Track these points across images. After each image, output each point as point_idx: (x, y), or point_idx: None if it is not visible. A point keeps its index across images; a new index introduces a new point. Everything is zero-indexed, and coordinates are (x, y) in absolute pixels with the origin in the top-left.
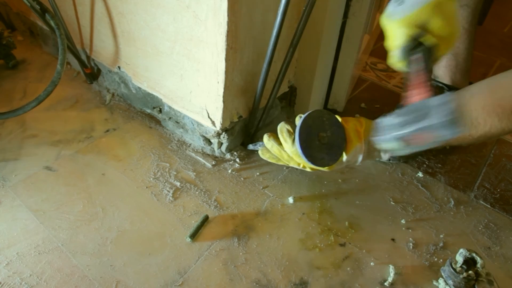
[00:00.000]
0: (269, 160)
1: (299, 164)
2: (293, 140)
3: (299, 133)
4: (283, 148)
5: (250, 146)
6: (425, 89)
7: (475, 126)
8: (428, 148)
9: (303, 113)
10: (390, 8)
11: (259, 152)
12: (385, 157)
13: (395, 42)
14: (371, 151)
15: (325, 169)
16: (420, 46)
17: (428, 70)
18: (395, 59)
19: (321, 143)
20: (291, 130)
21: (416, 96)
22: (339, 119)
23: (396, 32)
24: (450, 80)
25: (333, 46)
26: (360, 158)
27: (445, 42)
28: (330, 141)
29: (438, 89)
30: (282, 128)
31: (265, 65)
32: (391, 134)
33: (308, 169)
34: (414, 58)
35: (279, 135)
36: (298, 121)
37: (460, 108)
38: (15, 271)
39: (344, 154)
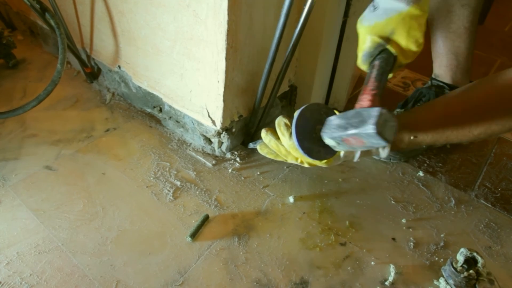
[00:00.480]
0: (267, 156)
1: (297, 159)
2: (291, 134)
3: (296, 126)
4: (280, 142)
5: (250, 145)
6: (369, 97)
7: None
8: (366, 149)
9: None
10: (364, 13)
11: (258, 147)
12: (383, 154)
13: (362, 46)
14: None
15: (322, 163)
16: (383, 53)
17: (379, 78)
18: (359, 62)
19: (318, 136)
20: (289, 124)
21: (364, 101)
22: (337, 113)
23: (364, 37)
24: (451, 79)
25: (333, 45)
26: (358, 154)
27: (405, 54)
28: None
29: (439, 88)
30: (280, 122)
31: (267, 66)
32: (330, 133)
33: (306, 165)
34: (373, 64)
35: (277, 129)
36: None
37: (381, 123)
38: (15, 270)
39: None
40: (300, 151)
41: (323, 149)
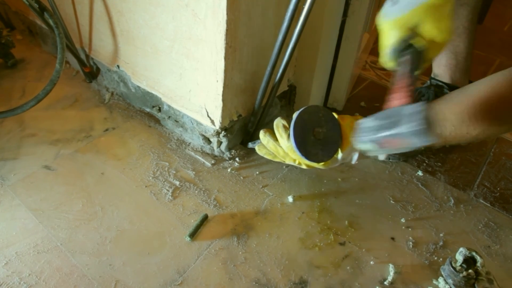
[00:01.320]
0: (265, 157)
1: (294, 161)
2: (289, 135)
3: (294, 128)
4: (278, 143)
5: (250, 145)
6: (405, 94)
7: (473, 123)
8: (405, 150)
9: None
10: (384, 8)
11: (256, 148)
12: (381, 156)
13: (387, 42)
14: None
15: (320, 165)
16: (410, 47)
17: (413, 74)
18: (386, 59)
19: (316, 138)
20: (287, 126)
21: (396, 100)
22: (336, 116)
23: (388, 33)
24: (450, 79)
25: (332, 45)
26: (356, 156)
27: (434, 46)
28: (325, 137)
29: (438, 87)
30: (278, 123)
31: (268, 68)
32: (367, 137)
33: (303, 166)
34: (402, 60)
35: (275, 130)
36: (294, 116)
37: (430, 119)
38: (14, 270)
39: (339, 151)
40: (298, 153)
41: (320, 151)
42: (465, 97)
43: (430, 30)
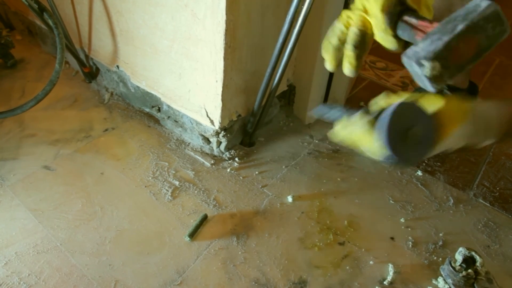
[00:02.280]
0: (340, 141)
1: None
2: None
3: (387, 137)
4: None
5: (319, 110)
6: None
7: None
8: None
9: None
10: None
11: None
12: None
13: (381, 6)
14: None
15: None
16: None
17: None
18: (383, 25)
19: (410, 140)
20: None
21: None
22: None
23: None
24: None
25: None
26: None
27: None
28: (417, 135)
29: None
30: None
31: (269, 70)
32: (432, 46)
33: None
34: (404, 19)
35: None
36: (381, 119)
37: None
38: (13, 270)
39: (436, 145)
40: (391, 160)
41: (414, 153)
42: None
43: None
